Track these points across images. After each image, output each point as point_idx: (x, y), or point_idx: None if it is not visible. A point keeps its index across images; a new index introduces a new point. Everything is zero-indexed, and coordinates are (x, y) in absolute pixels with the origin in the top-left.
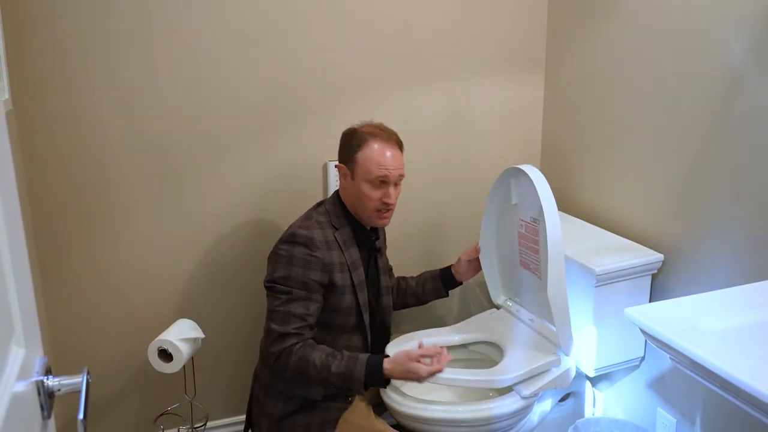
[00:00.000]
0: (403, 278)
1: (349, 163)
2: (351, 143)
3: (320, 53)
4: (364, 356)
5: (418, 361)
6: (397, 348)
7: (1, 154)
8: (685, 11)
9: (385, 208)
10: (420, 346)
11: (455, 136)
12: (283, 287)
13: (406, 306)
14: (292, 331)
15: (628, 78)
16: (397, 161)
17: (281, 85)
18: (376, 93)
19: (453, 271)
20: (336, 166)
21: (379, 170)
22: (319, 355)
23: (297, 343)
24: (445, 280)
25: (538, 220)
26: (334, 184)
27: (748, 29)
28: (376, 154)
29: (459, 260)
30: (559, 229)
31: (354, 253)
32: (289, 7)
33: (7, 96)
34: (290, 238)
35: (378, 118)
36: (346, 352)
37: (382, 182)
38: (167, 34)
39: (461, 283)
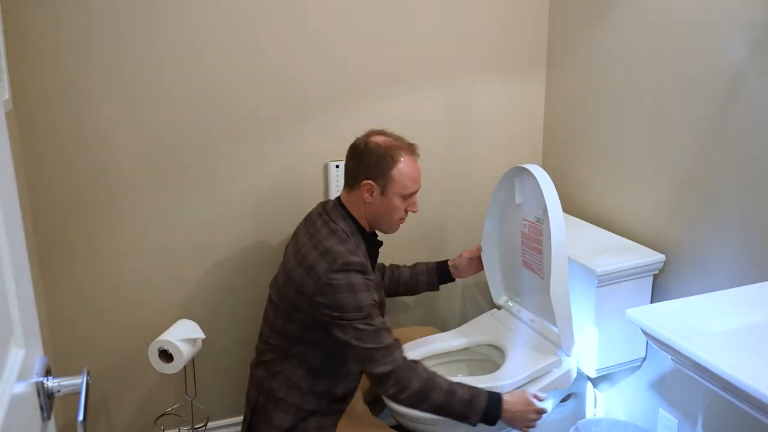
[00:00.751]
0: (396, 267)
1: (380, 179)
2: (383, 160)
3: (321, 54)
4: (483, 390)
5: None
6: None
7: (0, 154)
8: (686, 11)
9: (405, 217)
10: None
11: (456, 136)
12: (358, 314)
13: (396, 295)
14: (392, 342)
15: (629, 79)
16: (420, 172)
17: (282, 86)
18: (377, 93)
19: (450, 265)
20: (363, 184)
21: (413, 185)
22: (440, 379)
23: (401, 353)
24: (440, 275)
25: (542, 219)
26: (334, 184)
27: (749, 30)
28: (410, 169)
29: (460, 255)
30: (563, 228)
31: (370, 267)
32: (290, 9)
33: (7, 96)
34: (344, 267)
35: (379, 118)
36: (463, 383)
37: (411, 194)
38: (169, 33)
39: (454, 280)
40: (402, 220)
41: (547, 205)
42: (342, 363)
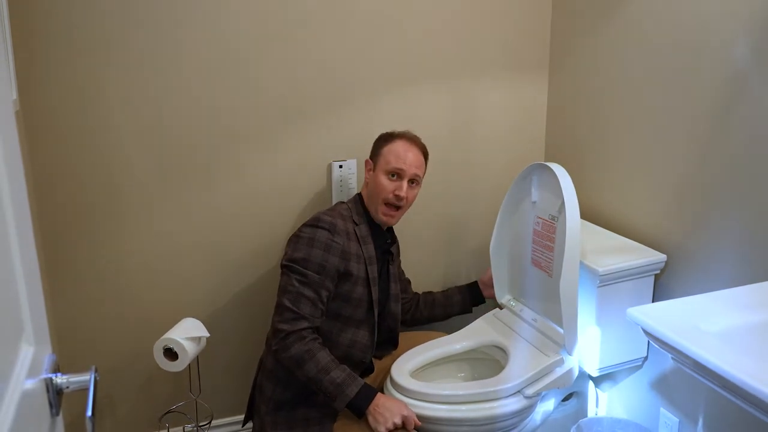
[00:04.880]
0: (429, 292)
1: (374, 157)
2: (380, 141)
3: (325, 55)
4: (361, 380)
5: (402, 416)
6: (407, 362)
7: (10, 154)
8: (688, 12)
9: (395, 203)
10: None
11: (458, 137)
12: (300, 268)
13: (432, 319)
14: (306, 314)
15: (631, 80)
16: (415, 160)
17: (285, 87)
18: (380, 95)
19: (480, 284)
20: (365, 162)
21: (396, 162)
22: (324, 355)
23: (308, 328)
24: (472, 294)
25: (557, 217)
26: (338, 184)
27: (751, 31)
28: (398, 148)
29: (487, 270)
30: (579, 225)
31: (370, 249)
32: (294, 11)
33: (15, 96)
34: (314, 222)
35: (382, 120)
36: (347, 368)
37: (398, 176)
38: (175, 34)
39: (484, 301)
40: (388, 206)
41: (566, 201)
42: (328, 336)
